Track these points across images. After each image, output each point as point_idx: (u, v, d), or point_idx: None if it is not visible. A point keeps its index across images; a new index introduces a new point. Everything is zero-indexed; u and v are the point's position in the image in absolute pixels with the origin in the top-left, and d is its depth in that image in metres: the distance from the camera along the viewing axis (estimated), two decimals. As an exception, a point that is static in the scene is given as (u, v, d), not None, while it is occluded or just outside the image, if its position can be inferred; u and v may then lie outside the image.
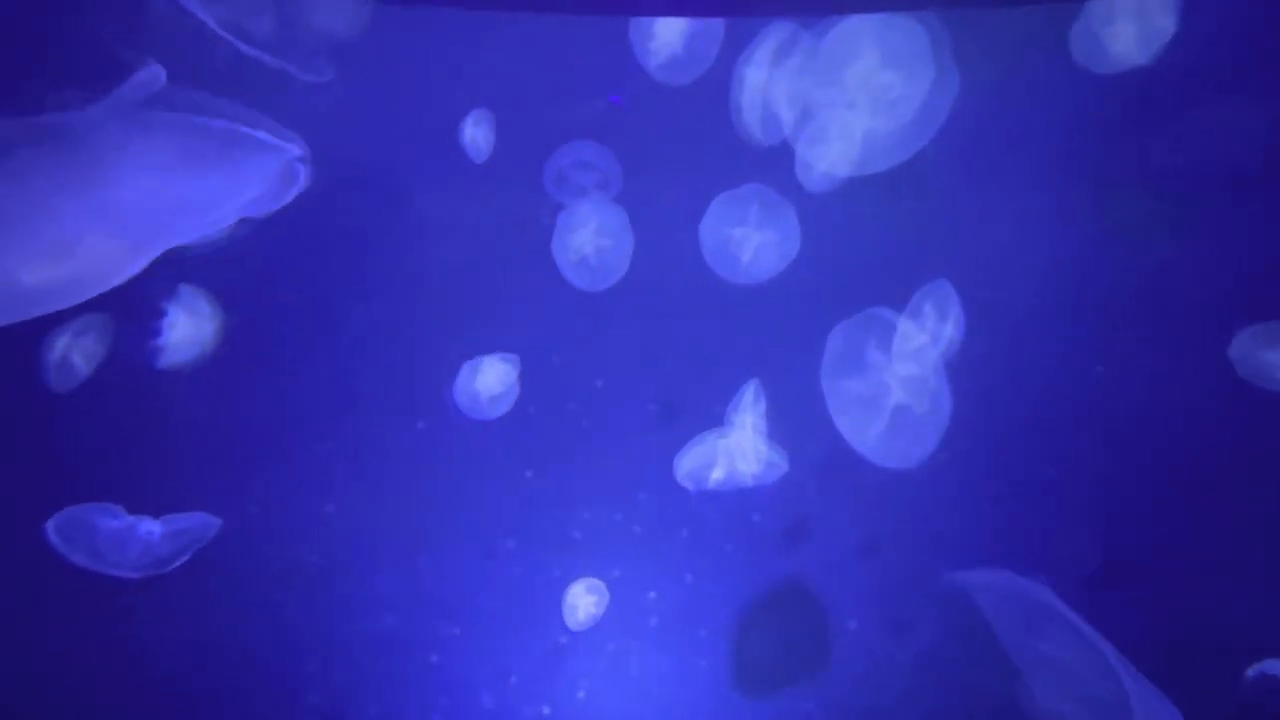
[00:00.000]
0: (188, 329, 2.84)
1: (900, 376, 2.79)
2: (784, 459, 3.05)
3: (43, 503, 2.71)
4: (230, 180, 2.05)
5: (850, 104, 2.76)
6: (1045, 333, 3.03)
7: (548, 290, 3.08)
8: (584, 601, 3.07)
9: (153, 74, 2.07)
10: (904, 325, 2.79)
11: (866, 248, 3.00)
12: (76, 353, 2.81)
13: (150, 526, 2.72)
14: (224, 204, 2.11)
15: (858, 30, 2.68)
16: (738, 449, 3.06)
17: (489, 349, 3.08)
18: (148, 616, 2.87)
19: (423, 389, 3.08)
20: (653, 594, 3.12)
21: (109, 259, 2.06)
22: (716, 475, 3.09)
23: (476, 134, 2.98)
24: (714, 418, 3.07)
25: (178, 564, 2.75)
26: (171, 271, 2.74)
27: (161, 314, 2.81)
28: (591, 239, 3.06)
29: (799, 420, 3.04)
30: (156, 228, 2.08)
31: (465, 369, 3.08)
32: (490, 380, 3.07)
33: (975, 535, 3.05)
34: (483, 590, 3.08)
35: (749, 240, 2.98)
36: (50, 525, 2.68)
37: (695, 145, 2.97)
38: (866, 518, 3.09)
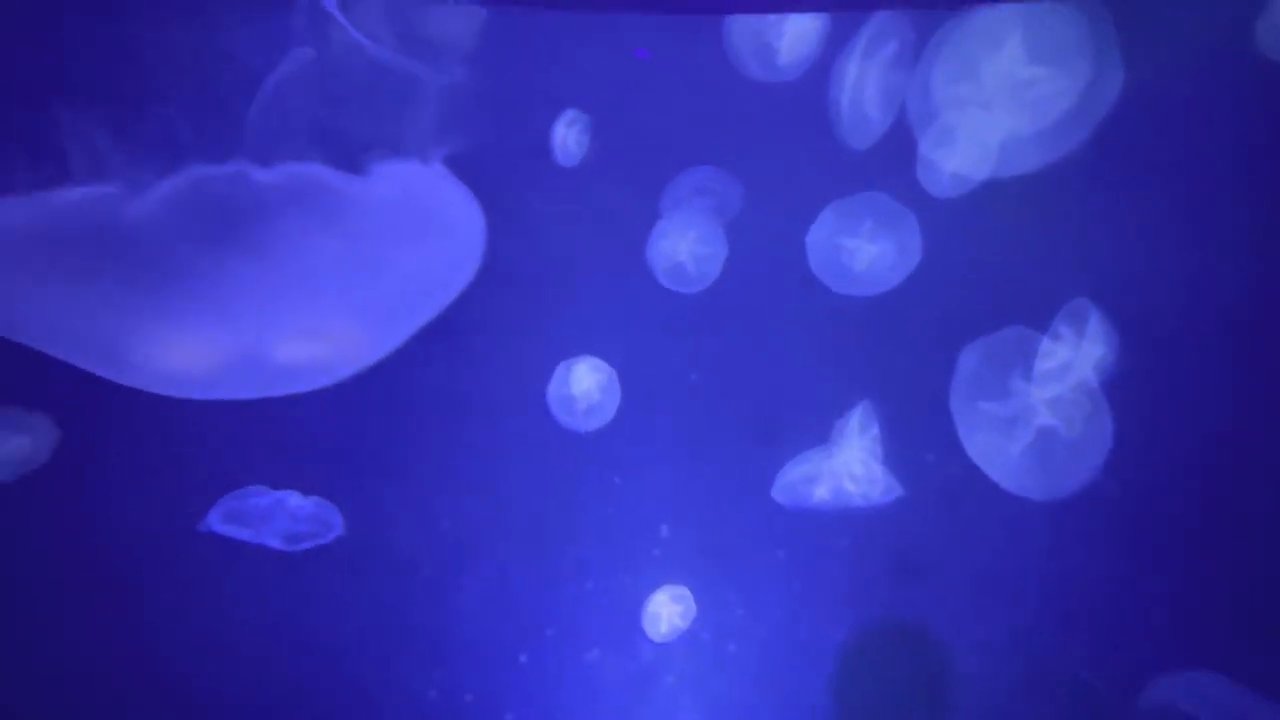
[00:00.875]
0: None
1: (1046, 398, 2.51)
2: (898, 482, 2.81)
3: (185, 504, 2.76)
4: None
5: (986, 102, 2.45)
6: (1220, 363, 2.66)
7: (644, 297, 2.91)
8: (667, 611, 2.98)
9: (299, 56, 2.00)
10: (1049, 344, 2.50)
11: (998, 260, 2.69)
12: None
13: (299, 501, 2.80)
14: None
15: (1001, 20, 2.36)
16: (845, 469, 2.84)
17: (583, 353, 2.96)
18: (249, 613, 2.90)
19: (518, 393, 2.98)
20: (741, 615, 2.96)
21: (362, 341, 2.05)
22: (820, 494, 2.89)
23: (569, 135, 2.82)
24: (820, 434, 2.86)
25: (307, 546, 2.80)
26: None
27: None
28: (690, 246, 2.87)
29: (918, 441, 2.80)
30: (411, 304, 2.06)
31: (559, 374, 2.97)
32: (586, 386, 2.96)
33: (1129, 580, 2.73)
34: (571, 596, 3.01)
35: (863, 251, 2.72)
36: (212, 516, 2.76)
37: (804, 149, 2.71)
38: (996, 551, 2.82)
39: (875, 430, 2.82)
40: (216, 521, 2.76)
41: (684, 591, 2.98)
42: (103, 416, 2.66)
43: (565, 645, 3.01)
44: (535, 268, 2.92)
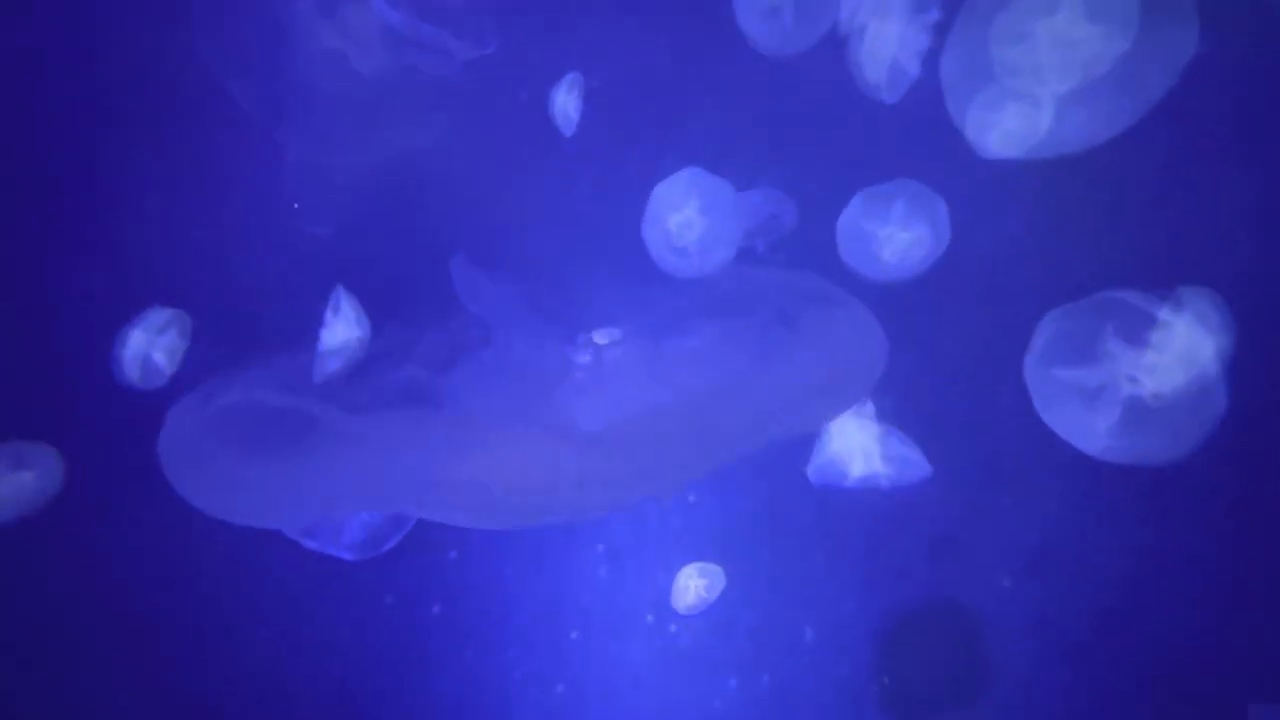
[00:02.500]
0: (340, 336, 2.59)
1: (1135, 371, 2.29)
2: (927, 459, 2.66)
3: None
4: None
5: (1037, 66, 2.12)
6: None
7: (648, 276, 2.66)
8: (694, 584, 2.91)
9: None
10: (1145, 321, 2.28)
11: (1049, 234, 2.42)
12: (158, 350, 2.66)
13: None
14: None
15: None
16: (871, 446, 2.69)
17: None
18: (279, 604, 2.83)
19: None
20: (776, 597, 2.88)
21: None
22: (853, 472, 2.74)
23: (568, 101, 2.49)
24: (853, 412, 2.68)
25: (390, 546, 2.71)
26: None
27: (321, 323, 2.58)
28: (695, 219, 2.56)
29: (952, 418, 2.64)
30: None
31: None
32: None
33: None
34: (601, 572, 2.93)
35: (895, 237, 2.44)
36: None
37: (826, 114, 2.39)
38: (1044, 531, 2.68)
39: (871, 406, 2.65)
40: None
41: (710, 566, 2.90)
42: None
43: (598, 622, 2.95)
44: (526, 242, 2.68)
